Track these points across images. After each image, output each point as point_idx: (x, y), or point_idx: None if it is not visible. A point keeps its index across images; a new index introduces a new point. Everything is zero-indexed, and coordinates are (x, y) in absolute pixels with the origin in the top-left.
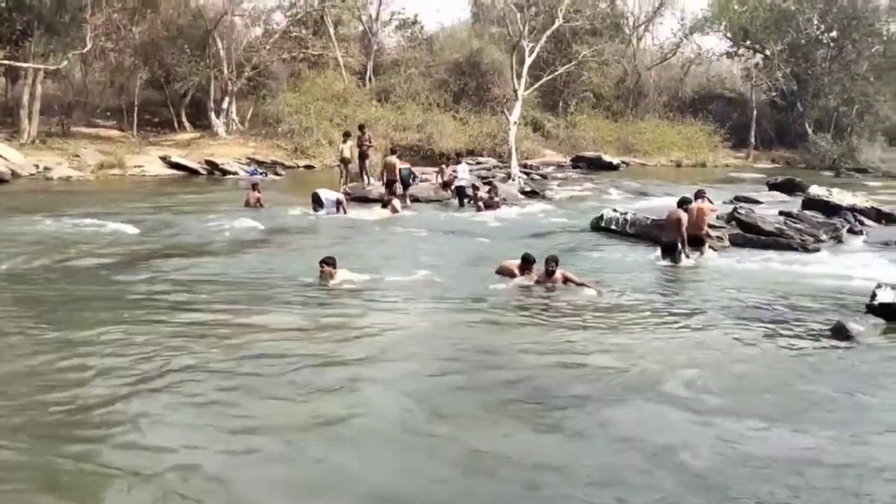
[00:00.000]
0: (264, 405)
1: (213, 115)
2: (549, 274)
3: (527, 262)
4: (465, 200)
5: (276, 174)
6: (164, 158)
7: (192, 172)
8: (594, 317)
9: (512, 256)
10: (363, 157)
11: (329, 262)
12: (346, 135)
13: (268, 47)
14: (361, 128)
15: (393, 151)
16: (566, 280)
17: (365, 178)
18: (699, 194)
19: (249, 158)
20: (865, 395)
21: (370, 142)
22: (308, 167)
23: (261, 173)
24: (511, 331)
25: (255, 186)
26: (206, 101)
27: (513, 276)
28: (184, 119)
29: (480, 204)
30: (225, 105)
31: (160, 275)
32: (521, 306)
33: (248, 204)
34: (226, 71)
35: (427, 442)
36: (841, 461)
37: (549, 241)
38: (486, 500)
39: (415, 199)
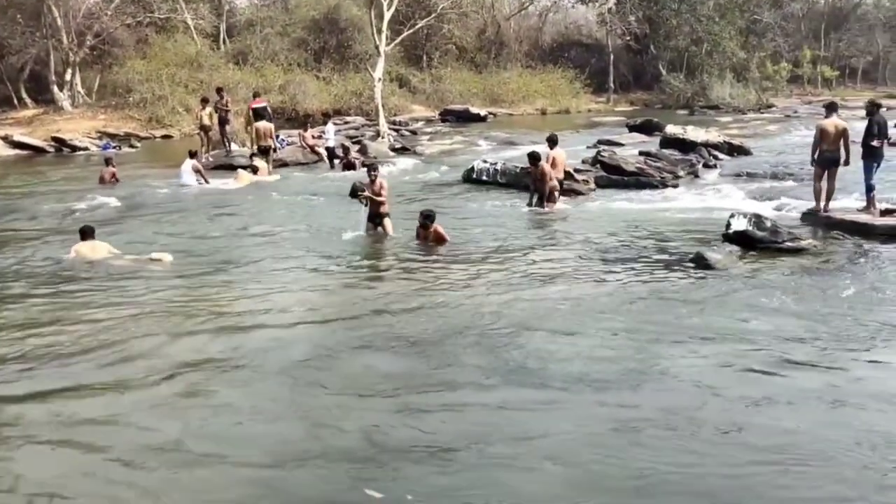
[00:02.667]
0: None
1: (55, 89)
2: (425, 228)
3: (427, 218)
4: (335, 161)
5: (131, 146)
6: (5, 138)
7: (39, 151)
8: (467, 266)
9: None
10: (223, 122)
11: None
12: (205, 101)
13: (109, 13)
14: (219, 91)
15: (256, 95)
16: (438, 237)
17: (227, 144)
18: (551, 139)
19: (100, 132)
20: (721, 316)
21: (228, 106)
22: (166, 137)
23: (114, 147)
24: (383, 285)
25: (108, 161)
26: (46, 75)
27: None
28: (24, 95)
29: (357, 163)
30: (68, 77)
31: None
32: (394, 262)
33: (102, 180)
34: (65, 41)
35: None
36: (695, 376)
37: (423, 196)
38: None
39: (282, 164)
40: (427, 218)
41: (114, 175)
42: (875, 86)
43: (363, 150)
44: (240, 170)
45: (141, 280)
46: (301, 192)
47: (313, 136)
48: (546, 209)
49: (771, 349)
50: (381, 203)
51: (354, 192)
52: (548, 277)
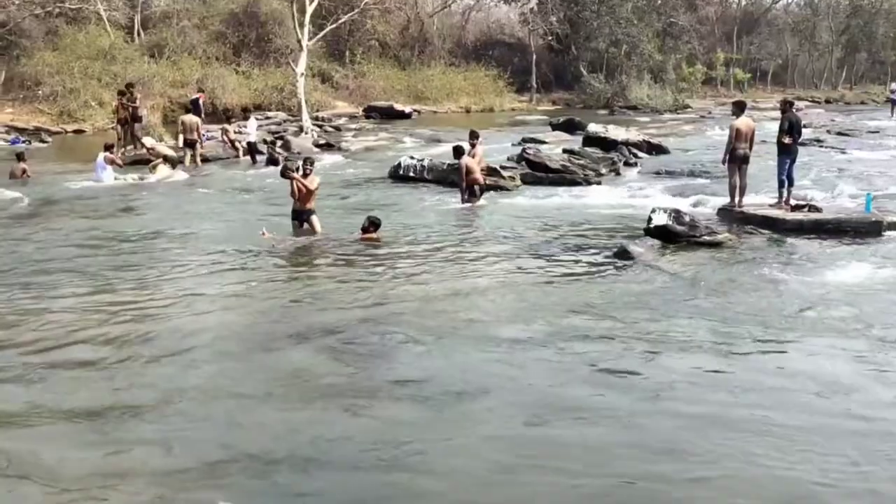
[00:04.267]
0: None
1: None
2: (365, 231)
3: (373, 224)
4: (258, 156)
5: (42, 141)
6: None
7: None
8: (394, 261)
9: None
10: (135, 119)
11: None
12: (122, 93)
13: (17, 2)
14: (129, 87)
15: (201, 90)
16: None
17: (136, 140)
18: (473, 135)
19: (8, 126)
20: (643, 307)
21: (136, 102)
22: (78, 132)
23: (23, 141)
24: (304, 282)
25: (20, 157)
26: None
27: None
28: None
29: (279, 159)
30: None
31: None
32: (317, 259)
33: (13, 176)
34: None
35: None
36: (615, 364)
37: (350, 192)
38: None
39: (204, 159)
40: (372, 224)
41: (24, 171)
42: (784, 88)
43: (287, 147)
44: (159, 163)
45: (53, 276)
46: (222, 187)
47: (235, 132)
48: (468, 204)
49: (686, 337)
50: (311, 197)
51: (285, 172)
52: (475, 271)
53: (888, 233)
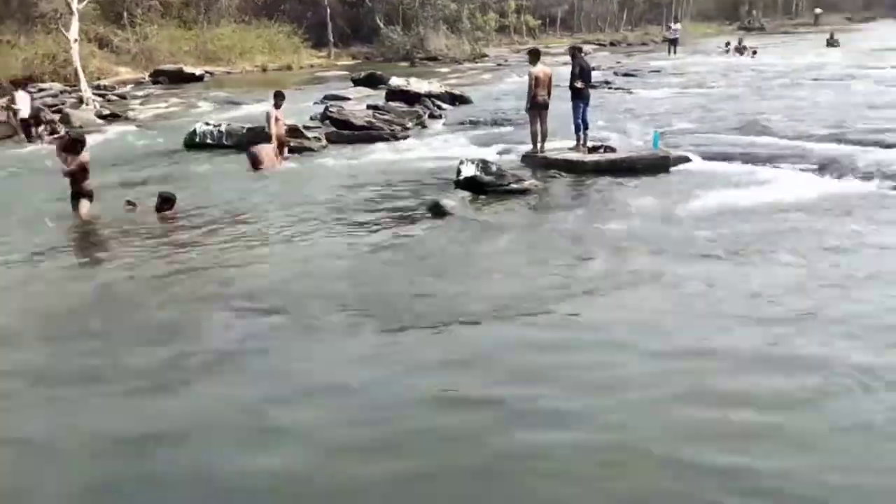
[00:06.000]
0: None
1: None
2: (160, 211)
3: (167, 201)
4: (34, 132)
5: None
6: None
7: None
8: (198, 235)
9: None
10: None
11: None
12: None
13: None
14: None
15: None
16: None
17: None
18: (277, 95)
19: None
20: (459, 262)
21: None
22: None
23: None
24: (96, 268)
25: None
26: None
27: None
28: None
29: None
30: None
31: None
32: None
33: None
34: None
35: None
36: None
37: (143, 165)
38: None
39: None
40: (166, 201)
41: None
42: (573, 33)
43: (66, 120)
44: None
45: None
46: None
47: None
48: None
49: (503, 290)
50: (85, 177)
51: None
52: (284, 238)
53: (675, 167)
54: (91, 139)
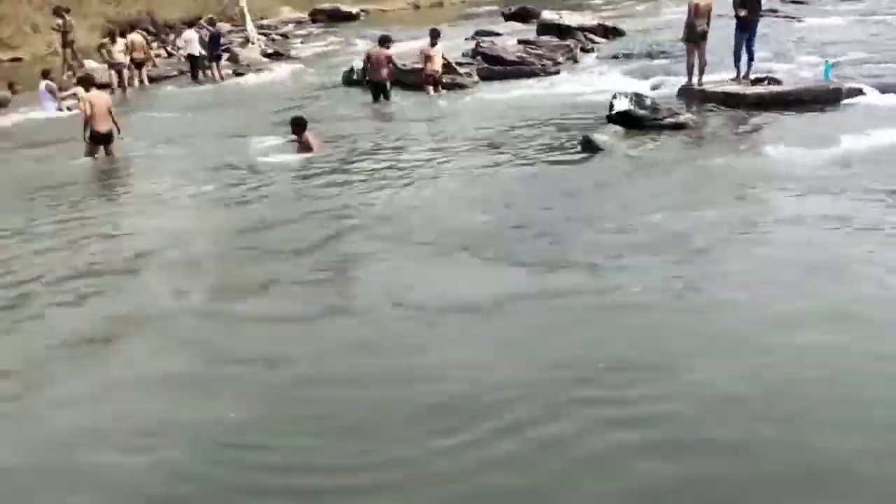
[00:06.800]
0: None
1: None
2: (297, 135)
3: (298, 125)
4: (201, 71)
5: None
6: None
7: None
8: (355, 170)
9: (271, 122)
10: (67, 44)
11: None
12: (57, 11)
13: None
14: (58, 11)
15: None
16: (307, 145)
17: (72, 65)
18: (433, 34)
19: None
20: (611, 198)
21: (67, 27)
22: (15, 59)
23: None
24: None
25: None
26: None
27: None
28: None
29: (221, 73)
30: None
31: None
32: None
33: None
34: None
35: None
36: (588, 257)
37: (304, 101)
38: None
39: (151, 80)
40: (297, 125)
41: None
42: None
43: (234, 58)
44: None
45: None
46: (173, 105)
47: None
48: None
49: (654, 225)
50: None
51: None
52: (438, 171)
53: (847, 100)
54: (257, 77)
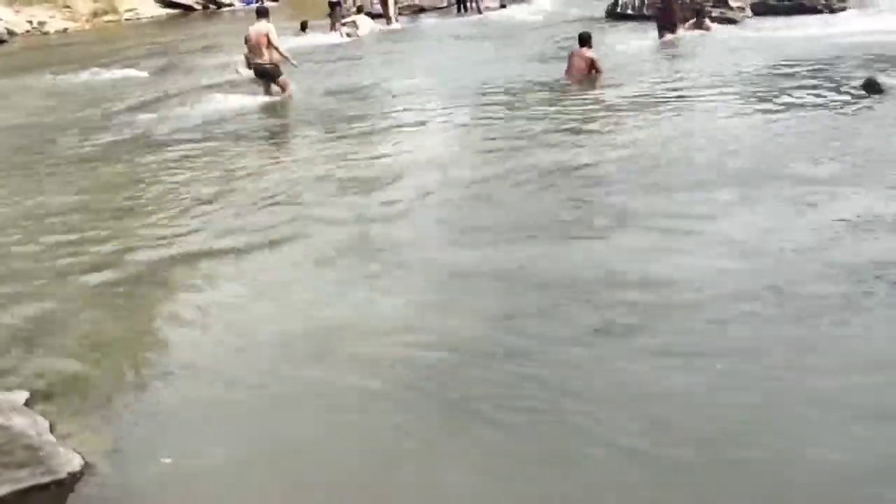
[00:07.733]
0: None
1: None
2: (583, 47)
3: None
4: (465, 4)
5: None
6: None
7: (187, 9)
8: (630, 104)
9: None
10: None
11: None
12: None
13: None
14: None
15: None
16: (594, 66)
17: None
18: None
19: None
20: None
21: None
22: None
23: (257, 1)
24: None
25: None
26: None
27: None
28: None
29: (481, 6)
30: None
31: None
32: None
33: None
34: None
35: None
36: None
37: (569, 31)
38: None
39: (420, 10)
40: (583, 40)
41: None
42: None
43: None
44: (359, 18)
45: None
46: (433, 35)
47: None
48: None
49: None
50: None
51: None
52: (688, 110)
53: None
54: (517, 8)
